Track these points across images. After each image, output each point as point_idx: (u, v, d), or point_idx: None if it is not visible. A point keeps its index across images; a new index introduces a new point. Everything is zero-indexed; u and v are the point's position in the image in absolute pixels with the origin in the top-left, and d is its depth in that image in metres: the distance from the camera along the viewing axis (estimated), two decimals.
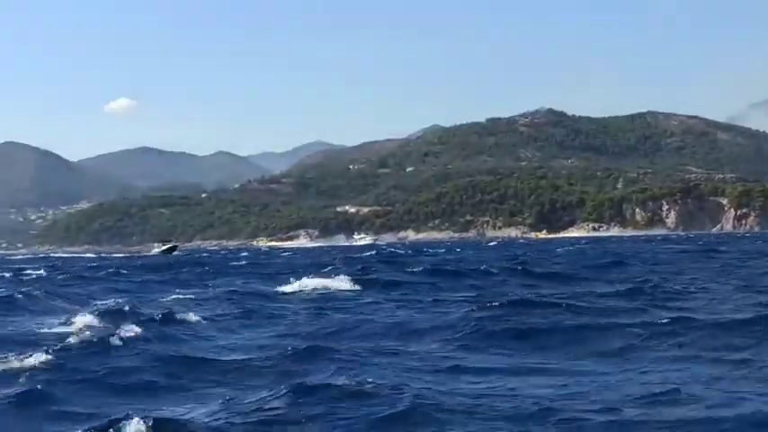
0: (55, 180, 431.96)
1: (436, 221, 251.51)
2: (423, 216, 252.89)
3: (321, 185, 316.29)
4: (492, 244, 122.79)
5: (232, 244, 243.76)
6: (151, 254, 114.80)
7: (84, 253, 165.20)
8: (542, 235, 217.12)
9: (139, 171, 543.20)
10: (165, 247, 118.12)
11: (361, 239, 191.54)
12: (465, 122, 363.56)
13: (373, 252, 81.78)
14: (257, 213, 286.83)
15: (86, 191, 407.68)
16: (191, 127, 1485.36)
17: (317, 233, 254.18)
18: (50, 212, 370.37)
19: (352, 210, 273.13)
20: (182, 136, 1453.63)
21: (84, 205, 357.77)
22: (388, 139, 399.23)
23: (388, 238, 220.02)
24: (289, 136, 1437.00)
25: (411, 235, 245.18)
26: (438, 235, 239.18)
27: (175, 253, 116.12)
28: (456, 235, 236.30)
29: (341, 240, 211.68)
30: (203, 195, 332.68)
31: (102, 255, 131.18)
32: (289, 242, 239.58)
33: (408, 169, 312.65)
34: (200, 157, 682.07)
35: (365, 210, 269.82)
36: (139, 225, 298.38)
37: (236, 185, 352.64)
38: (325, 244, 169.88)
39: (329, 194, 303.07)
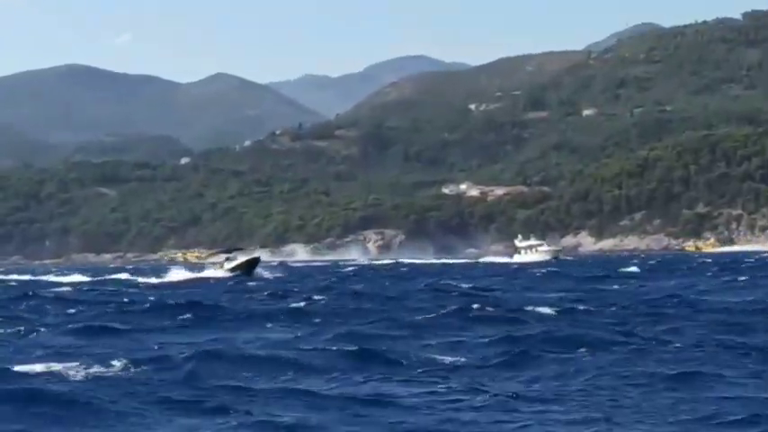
0: None
1: (636, 217, 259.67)
2: (611, 206, 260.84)
3: (412, 143, 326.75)
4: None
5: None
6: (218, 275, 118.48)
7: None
8: (711, 247, 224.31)
9: (62, 114, 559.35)
10: (232, 264, 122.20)
11: (529, 251, 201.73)
12: (701, 20, 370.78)
13: None
14: (285, 198, 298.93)
15: None
16: (163, 29, 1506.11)
17: (401, 237, 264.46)
18: None
19: (474, 192, 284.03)
20: (144, 47, 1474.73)
21: None
22: (547, 53, 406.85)
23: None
24: (353, 48, 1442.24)
25: (586, 241, 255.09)
26: (638, 243, 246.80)
27: (265, 275, 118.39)
28: (675, 242, 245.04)
29: (483, 252, 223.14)
30: (183, 161, 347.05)
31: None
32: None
33: (586, 113, 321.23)
34: (181, 87, 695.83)
35: (498, 191, 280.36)
36: (59, 219, 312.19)
37: (247, 143, 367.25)
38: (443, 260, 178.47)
39: (428, 161, 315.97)
